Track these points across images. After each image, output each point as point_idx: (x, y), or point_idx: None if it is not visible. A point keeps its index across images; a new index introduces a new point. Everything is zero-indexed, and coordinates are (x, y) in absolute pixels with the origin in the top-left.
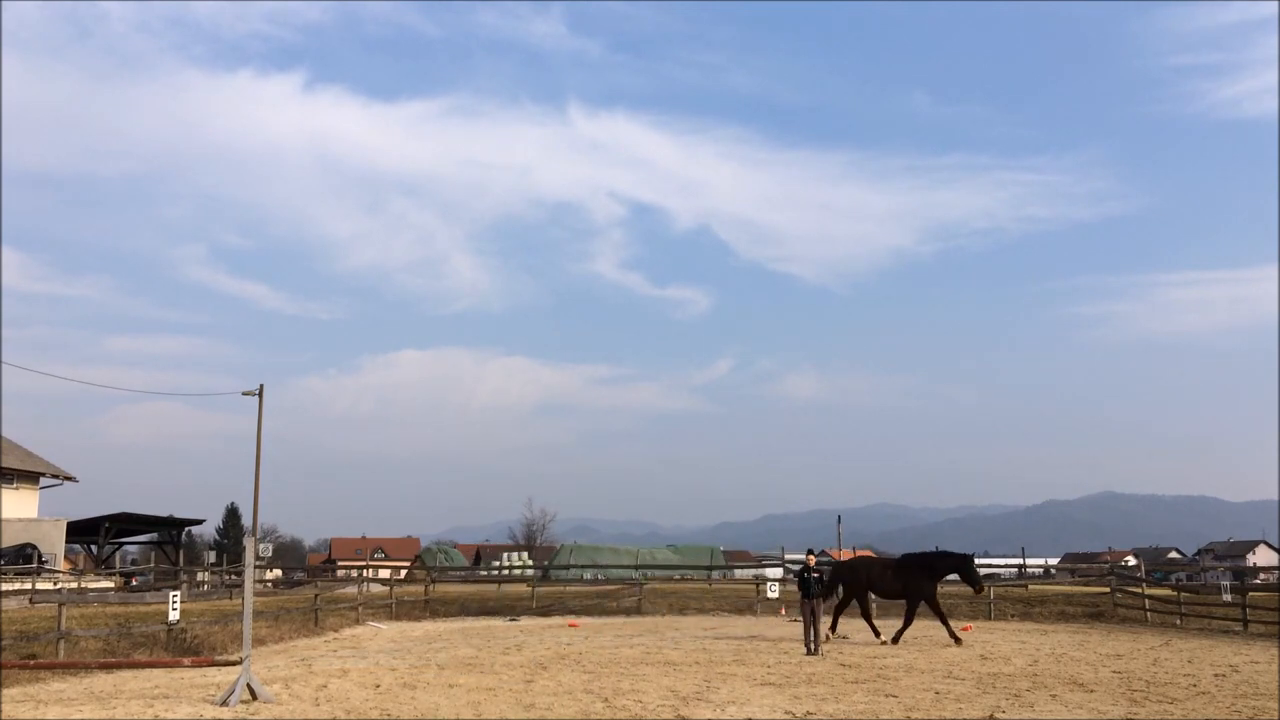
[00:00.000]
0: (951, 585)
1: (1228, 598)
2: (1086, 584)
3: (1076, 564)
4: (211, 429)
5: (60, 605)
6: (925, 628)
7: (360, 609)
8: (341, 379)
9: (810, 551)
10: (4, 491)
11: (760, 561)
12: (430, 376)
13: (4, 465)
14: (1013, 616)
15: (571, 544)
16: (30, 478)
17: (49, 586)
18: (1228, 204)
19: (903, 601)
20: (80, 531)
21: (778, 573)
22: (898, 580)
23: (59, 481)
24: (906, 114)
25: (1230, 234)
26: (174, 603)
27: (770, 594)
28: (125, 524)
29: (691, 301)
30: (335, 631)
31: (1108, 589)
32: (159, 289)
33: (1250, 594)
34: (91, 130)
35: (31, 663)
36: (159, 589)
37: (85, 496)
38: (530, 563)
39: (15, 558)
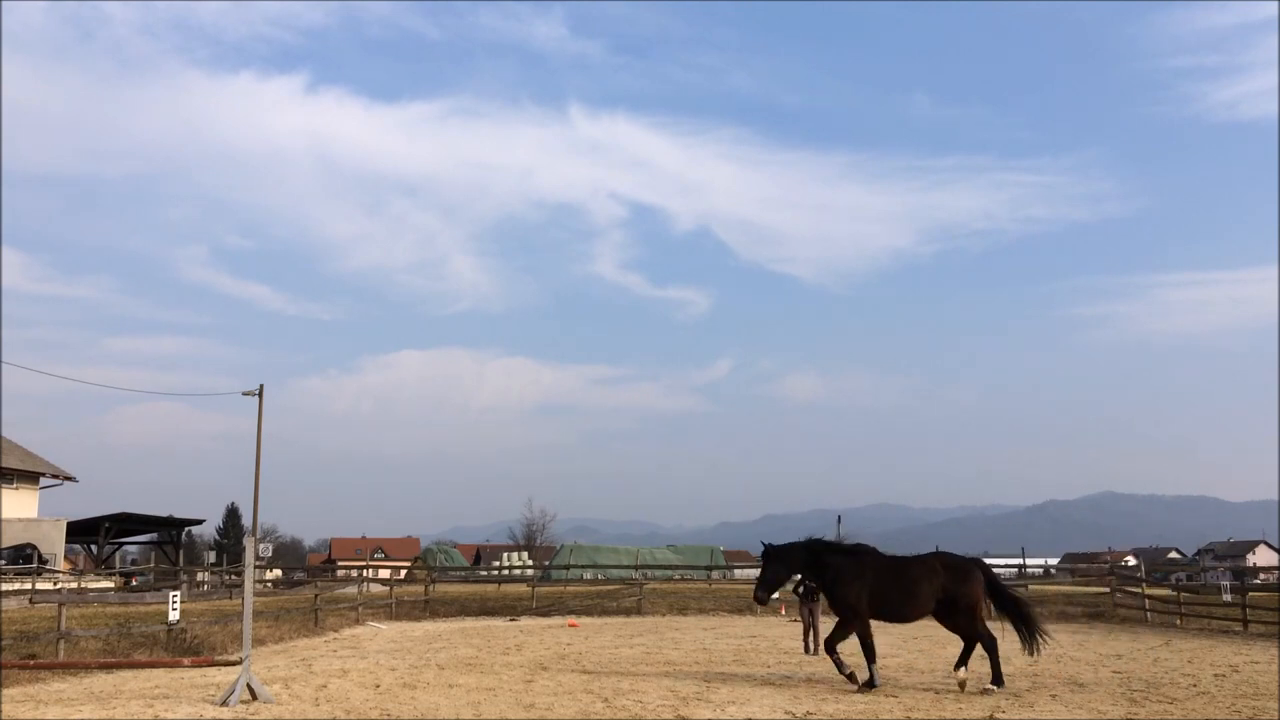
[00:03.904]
0: None
1: (1228, 598)
2: (1086, 584)
3: (1076, 564)
4: (211, 429)
5: (60, 605)
6: (924, 626)
7: (360, 609)
8: (342, 379)
9: None
10: (4, 491)
11: (760, 562)
12: (430, 376)
13: (4, 465)
14: None
15: (571, 544)
16: (30, 478)
17: (49, 586)
18: (1227, 205)
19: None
20: (80, 531)
21: None
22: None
23: (59, 481)
24: (906, 115)
25: (1229, 235)
26: (174, 603)
27: None
28: (125, 524)
29: (691, 302)
30: (335, 631)
31: (1108, 589)
32: (160, 290)
33: (1250, 594)
34: (93, 131)
35: (31, 663)
36: (159, 589)
37: (85, 496)
38: (530, 563)
39: (15, 558)
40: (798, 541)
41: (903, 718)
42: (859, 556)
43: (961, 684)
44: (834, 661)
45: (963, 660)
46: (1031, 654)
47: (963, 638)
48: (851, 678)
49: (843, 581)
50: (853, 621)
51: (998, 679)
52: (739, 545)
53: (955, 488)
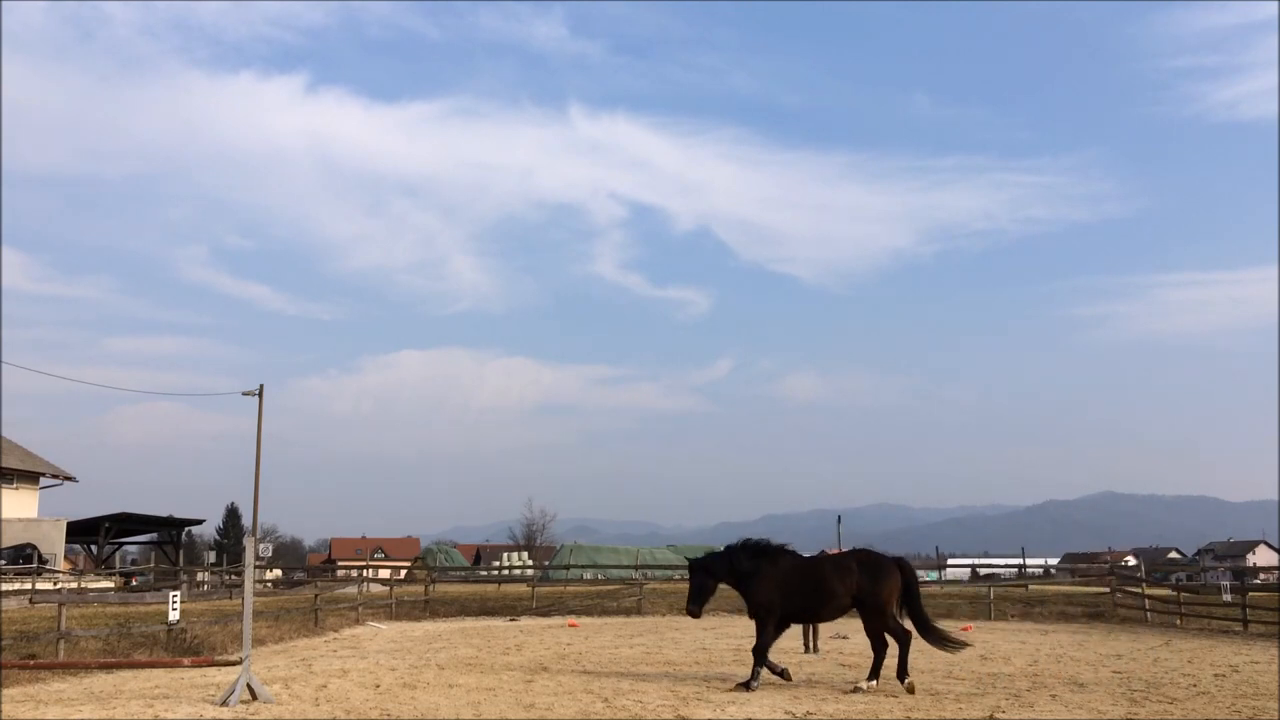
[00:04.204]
0: (952, 586)
1: (1228, 598)
2: (1086, 584)
3: (1076, 564)
4: (211, 429)
5: (60, 605)
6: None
7: (360, 609)
8: (342, 379)
9: None
10: (4, 491)
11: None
12: (430, 376)
13: (4, 465)
14: (1013, 616)
15: (571, 544)
16: (30, 478)
17: (49, 586)
18: (1227, 205)
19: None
20: (80, 531)
21: None
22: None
23: (59, 481)
24: (906, 115)
25: (1229, 235)
26: (174, 603)
27: None
28: (125, 524)
29: (691, 302)
30: (335, 631)
31: (1108, 589)
32: (160, 290)
33: (1250, 594)
34: (94, 131)
35: (31, 663)
36: (159, 589)
37: (85, 496)
38: (530, 563)
39: (15, 558)
40: (718, 550)
41: (903, 718)
42: (775, 558)
43: (855, 688)
44: (765, 666)
45: (874, 673)
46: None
47: (872, 641)
48: (784, 674)
49: (758, 583)
50: (770, 621)
51: (902, 673)
52: None
53: (955, 488)
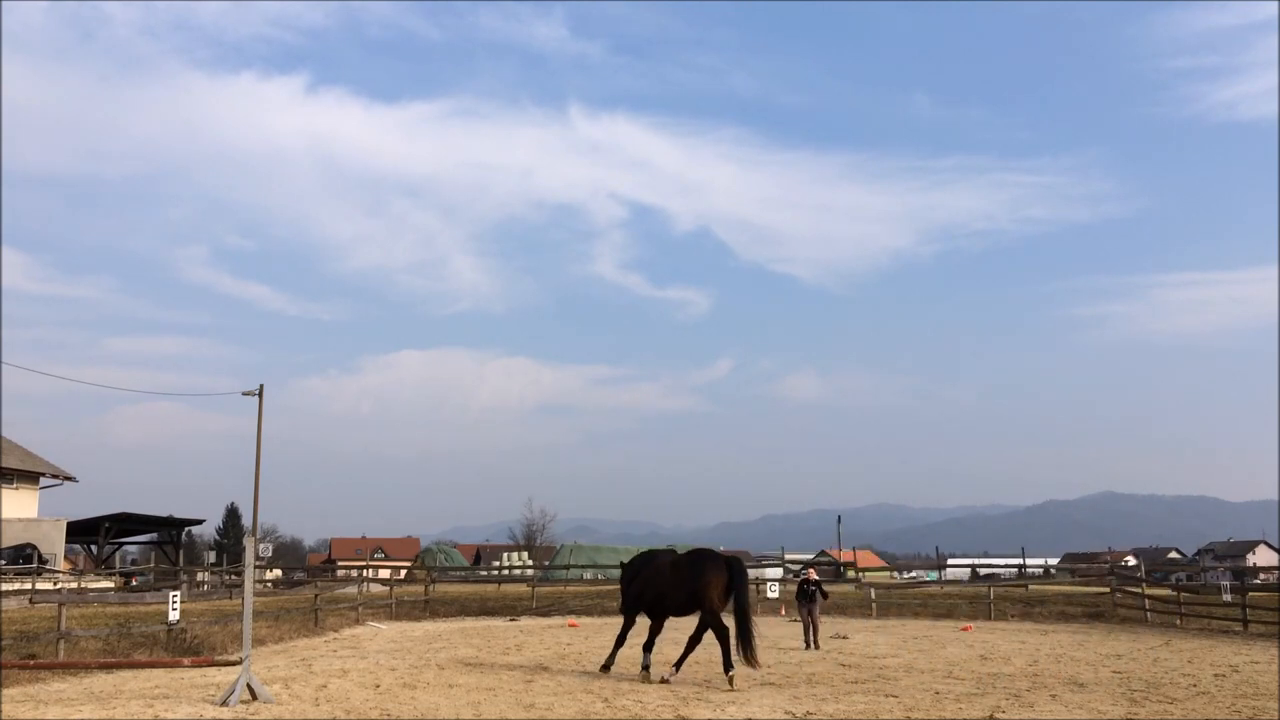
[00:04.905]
0: (952, 586)
1: (1228, 598)
2: (1086, 584)
3: (1076, 564)
4: (211, 429)
5: (60, 605)
6: (927, 627)
7: (360, 609)
8: (342, 379)
9: (811, 566)
10: (4, 491)
11: (760, 562)
12: (431, 377)
13: (4, 465)
14: (1013, 616)
15: (571, 544)
16: (30, 478)
17: (49, 586)
18: (1227, 205)
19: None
20: (80, 531)
21: (778, 573)
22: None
23: (59, 481)
24: (906, 116)
25: (1229, 235)
26: (174, 603)
27: (770, 594)
28: (125, 524)
29: (692, 302)
30: (335, 631)
31: (1108, 589)
32: (160, 290)
33: (1250, 594)
34: (94, 131)
35: (31, 663)
36: (159, 589)
37: (85, 496)
38: (530, 563)
39: (15, 558)
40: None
41: (903, 717)
42: (650, 559)
43: (663, 679)
44: (616, 649)
45: (725, 663)
46: (747, 661)
47: (715, 634)
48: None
49: (626, 584)
50: (630, 615)
51: (727, 664)
52: (739, 545)
53: (955, 488)
